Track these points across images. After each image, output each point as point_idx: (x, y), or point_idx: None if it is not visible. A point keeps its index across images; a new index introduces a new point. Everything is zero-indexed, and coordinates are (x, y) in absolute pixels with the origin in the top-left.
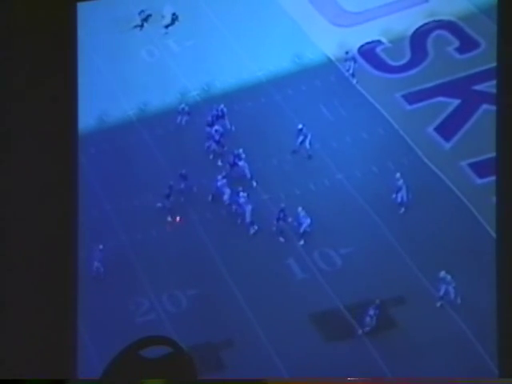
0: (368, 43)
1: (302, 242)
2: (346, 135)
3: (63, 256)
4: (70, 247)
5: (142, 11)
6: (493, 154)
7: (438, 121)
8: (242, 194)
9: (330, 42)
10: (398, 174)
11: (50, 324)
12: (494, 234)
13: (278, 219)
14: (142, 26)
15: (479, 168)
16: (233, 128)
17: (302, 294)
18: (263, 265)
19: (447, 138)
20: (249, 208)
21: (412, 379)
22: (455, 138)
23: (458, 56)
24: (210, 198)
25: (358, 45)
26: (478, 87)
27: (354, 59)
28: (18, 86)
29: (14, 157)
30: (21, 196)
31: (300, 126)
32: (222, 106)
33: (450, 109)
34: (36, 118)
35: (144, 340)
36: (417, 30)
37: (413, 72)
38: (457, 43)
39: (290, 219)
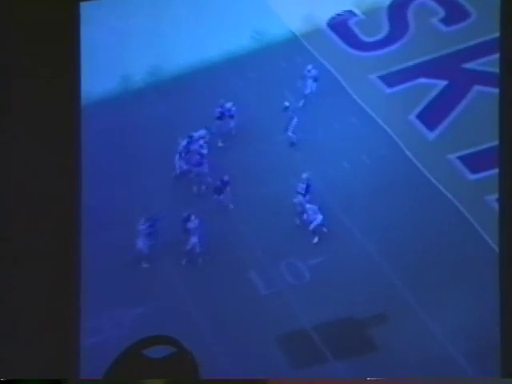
0: (339, 15)
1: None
2: (315, 125)
3: (65, 254)
4: (71, 245)
5: None
6: (487, 145)
7: (420, 106)
8: (193, 217)
9: (295, 14)
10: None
11: (51, 324)
12: (489, 239)
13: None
14: None
15: (471, 161)
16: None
17: (266, 313)
18: (221, 279)
19: (431, 127)
20: (194, 240)
21: (412, 379)
22: (441, 127)
23: (443, 28)
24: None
25: (328, 17)
26: (468, 65)
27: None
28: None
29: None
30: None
31: (287, 104)
32: (230, 104)
33: (435, 92)
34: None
35: (147, 339)
36: None
37: (391, 49)
38: (442, 13)
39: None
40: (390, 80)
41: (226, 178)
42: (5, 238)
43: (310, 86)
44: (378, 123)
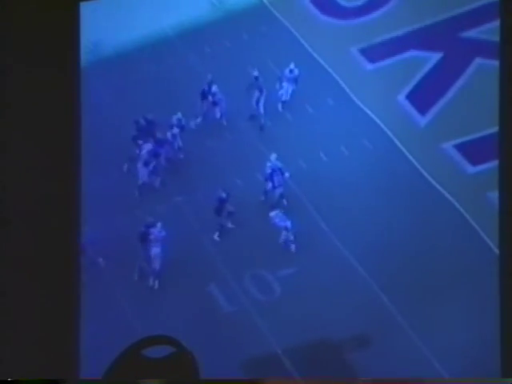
0: None
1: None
2: (285, 111)
3: (65, 253)
4: (71, 243)
5: None
6: (490, 131)
7: (410, 85)
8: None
9: None
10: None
11: (50, 324)
12: (491, 243)
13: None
14: None
15: (471, 151)
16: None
17: (229, 334)
18: (177, 295)
19: (423, 110)
20: (156, 251)
21: (412, 379)
22: (435, 109)
23: None
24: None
25: None
26: (468, 33)
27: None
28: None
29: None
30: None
31: (256, 74)
32: (215, 87)
33: (428, 66)
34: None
35: (147, 340)
36: None
37: (374, 15)
38: None
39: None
40: (373, 53)
41: (223, 195)
42: (3, 237)
43: (289, 91)
44: (360, 106)
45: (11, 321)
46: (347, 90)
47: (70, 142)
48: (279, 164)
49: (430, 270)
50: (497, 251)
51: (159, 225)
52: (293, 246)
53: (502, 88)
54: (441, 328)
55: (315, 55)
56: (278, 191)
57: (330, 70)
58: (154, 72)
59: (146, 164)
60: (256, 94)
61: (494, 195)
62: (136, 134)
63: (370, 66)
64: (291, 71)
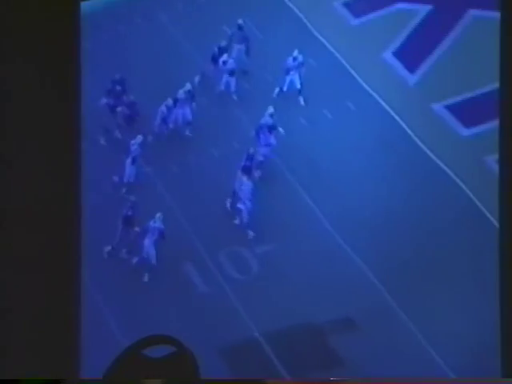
0: None
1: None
2: (263, 71)
3: (65, 253)
4: (72, 243)
5: None
6: (485, 89)
7: (397, 41)
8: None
9: None
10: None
11: (50, 324)
12: (489, 215)
13: None
14: None
15: (464, 111)
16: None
17: (205, 317)
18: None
19: (412, 67)
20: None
21: (412, 379)
22: (424, 67)
23: None
24: None
25: None
26: None
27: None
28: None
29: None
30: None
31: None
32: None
33: (417, 20)
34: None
35: (147, 339)
36: None
37: None
38: None
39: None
40: (357, 8)
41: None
42: (3, 236)
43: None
44: (343, 65)
45: (11, 321)
46: (330, 48)
47: (70, 140)
48: (270, 121)
49: (420, 246)
50: (491, 217)
51: (158, 216)
52: (250, 233)
53: (502, 40)
54: (437, 313)
55: (295, 9)
56: (263, 151)
57: (310, 26)
58: (123, 32)
59: (133, 161)
60: (236, 46)
61: (491, 158)
62: (112, 102)
63: (354, 21)
64: (295, 59)
